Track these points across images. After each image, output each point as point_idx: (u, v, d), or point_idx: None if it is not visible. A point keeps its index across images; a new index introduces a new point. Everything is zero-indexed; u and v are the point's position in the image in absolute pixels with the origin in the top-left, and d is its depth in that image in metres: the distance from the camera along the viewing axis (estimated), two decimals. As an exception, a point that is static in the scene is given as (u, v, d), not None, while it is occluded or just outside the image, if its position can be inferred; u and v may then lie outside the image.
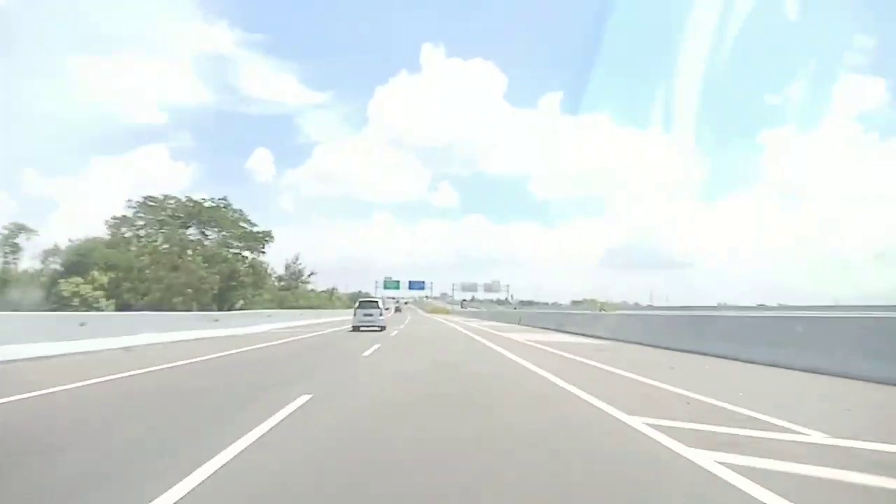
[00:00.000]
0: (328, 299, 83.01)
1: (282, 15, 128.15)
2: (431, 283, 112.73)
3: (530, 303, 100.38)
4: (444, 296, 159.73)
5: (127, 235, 41.67)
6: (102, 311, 27.99)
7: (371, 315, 27.74)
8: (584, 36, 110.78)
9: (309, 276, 66.19)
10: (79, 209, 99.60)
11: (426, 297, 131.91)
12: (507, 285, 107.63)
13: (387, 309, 34.44)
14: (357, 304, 29.73)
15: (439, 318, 70.57)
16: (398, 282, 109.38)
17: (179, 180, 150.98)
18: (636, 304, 65.71)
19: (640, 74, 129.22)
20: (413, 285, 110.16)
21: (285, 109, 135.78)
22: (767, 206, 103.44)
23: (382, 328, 27.82)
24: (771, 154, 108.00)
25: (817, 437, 5.46)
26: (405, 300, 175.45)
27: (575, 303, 66.91)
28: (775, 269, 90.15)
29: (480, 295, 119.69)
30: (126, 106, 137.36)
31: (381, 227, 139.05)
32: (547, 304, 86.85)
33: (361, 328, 27.35)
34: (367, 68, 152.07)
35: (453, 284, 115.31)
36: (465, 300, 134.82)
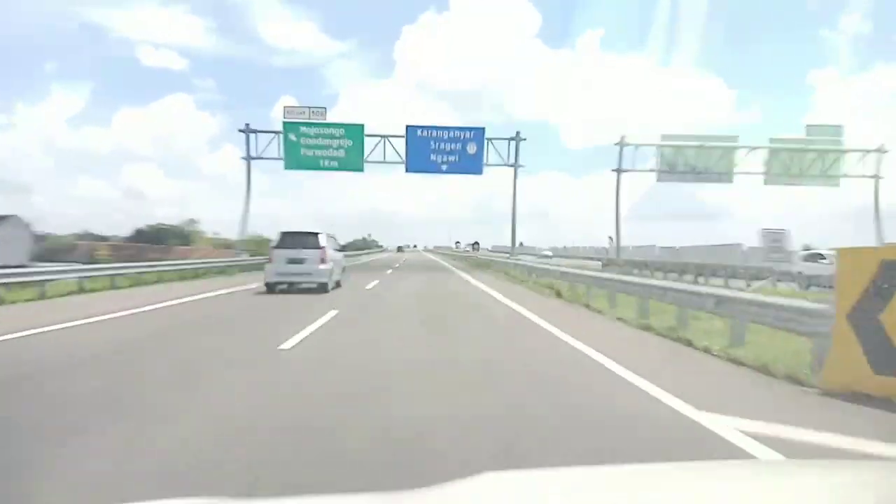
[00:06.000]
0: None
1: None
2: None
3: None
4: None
5: None
6: None
7: (301, 262, 14.65)
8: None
9: None
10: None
11: (466, 244, 77.34)
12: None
13: (339, 250, 18.20)
14: (277, 240, 15.65)
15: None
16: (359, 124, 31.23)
17: (207, 130, 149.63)
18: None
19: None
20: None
21: (309, 60, 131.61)
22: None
23: (325, 286, 14.84)
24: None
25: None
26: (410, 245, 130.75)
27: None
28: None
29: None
30: (147, 50, 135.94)
31: (403, 180, 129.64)
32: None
33: (292, 284, 15.00)
34: (394, 6, 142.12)
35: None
36: None
